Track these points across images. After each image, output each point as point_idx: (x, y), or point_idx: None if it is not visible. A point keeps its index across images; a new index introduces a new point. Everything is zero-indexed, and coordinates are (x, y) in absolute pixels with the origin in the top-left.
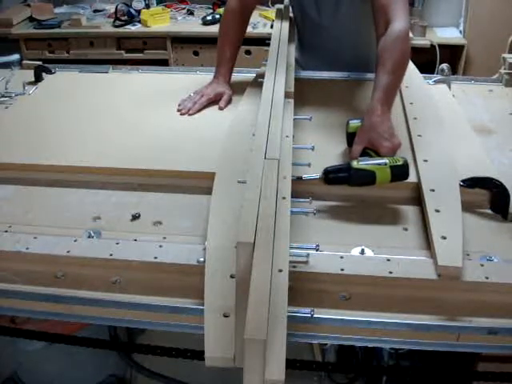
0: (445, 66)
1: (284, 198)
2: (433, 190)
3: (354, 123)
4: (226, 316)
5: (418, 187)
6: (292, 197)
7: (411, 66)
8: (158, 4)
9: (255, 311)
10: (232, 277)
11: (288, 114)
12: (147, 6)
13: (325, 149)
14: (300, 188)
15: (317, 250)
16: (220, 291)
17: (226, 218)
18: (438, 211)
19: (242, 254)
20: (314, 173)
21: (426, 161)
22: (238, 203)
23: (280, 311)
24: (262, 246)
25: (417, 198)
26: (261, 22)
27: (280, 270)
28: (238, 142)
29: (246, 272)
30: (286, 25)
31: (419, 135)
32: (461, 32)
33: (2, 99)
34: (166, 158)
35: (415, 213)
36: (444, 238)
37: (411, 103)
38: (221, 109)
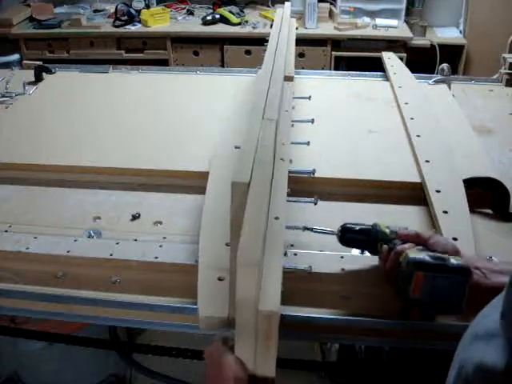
0: (445, 65)
1: (282, 159)
2: (438, 191)
3: None
4: (220, 279)
5: (420, 187)
6: (293, 196)
7: (400, 64)
8: (157, 4)
9: (249, 237)
10: (227, 245)
11: (288, 94)
12: (147, 6)
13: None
14: (299, 187)
15: (315, 204)
16: (216, 256)
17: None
18: (446, 212)
19: (236, 195)
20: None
21: (428, 161)
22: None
23: (276, 244)
24: (258, 186)
25: (418, 197)
26: (261, 21)
27: (276, 218)
28: (233, 141)
29: (240, 213)
30: (286, 24)
31: (418, 135)
32: (461, 32)
33: (2, 99)
34: (165, 158)
35: (419, 213)
36: (455, 239)
37: (406, 103)
38: None
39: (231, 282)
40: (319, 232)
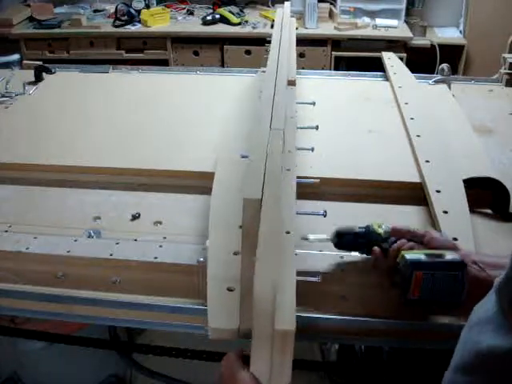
0: (445, 65)
1: (288, 169)
2: (438, 191)
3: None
4: (230, 290)
5: (420, 187)
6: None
7: (400, 64)
8: (157, 4)
9: (265, 253)
10: (235, 254)
11: (291, 99)
12: (147, 6)
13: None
14: (298, 188)
15: (324, 216)
16: (224, 265)
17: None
18: (446, 212)
19: (248, 211)
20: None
21: (428, 161)
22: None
23: (288, 258)
24: (270, 200)
25: (418, 197)
26: (261, 21)
27: (287, 232)
28: (234, 142)
29: (251, 227)
30: (286, 25)
31: (418, 135)
32: (461, 32)
33: (2, 99)
34: (165, 158)
35: (419, 213)
36: (455, 239)
37: (406, 103)
38: None
39: (241, 292)
40: (314, 241)
